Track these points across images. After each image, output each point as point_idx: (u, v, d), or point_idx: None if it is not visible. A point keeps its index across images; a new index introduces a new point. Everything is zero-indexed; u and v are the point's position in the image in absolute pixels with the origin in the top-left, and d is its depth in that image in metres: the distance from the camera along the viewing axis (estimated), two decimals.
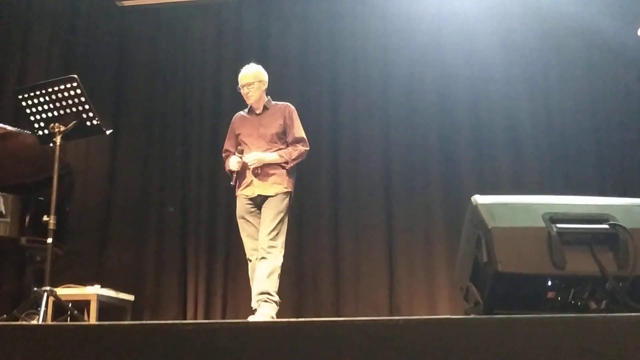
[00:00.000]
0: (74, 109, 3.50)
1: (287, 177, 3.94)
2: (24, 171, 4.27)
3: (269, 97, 4.06)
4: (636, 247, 2.12)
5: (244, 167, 3.92)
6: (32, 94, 3.52)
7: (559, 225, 2.14)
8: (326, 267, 4.99)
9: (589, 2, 5.01)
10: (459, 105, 5.13)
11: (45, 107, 3.52)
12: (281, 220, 3.85)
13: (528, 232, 2.15)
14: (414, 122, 5.15)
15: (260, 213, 3.90)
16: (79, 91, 3.48)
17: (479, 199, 2.23)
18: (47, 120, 3.53)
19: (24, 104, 3.55)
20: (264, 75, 4.05)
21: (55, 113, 3.52)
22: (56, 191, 3.45)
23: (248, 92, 3.98)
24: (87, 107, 3.50)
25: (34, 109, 3.54)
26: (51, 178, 3.48)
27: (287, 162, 3.93)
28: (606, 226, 2.17)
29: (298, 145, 3.98)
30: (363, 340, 1.64)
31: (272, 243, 3.79)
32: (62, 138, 3.49)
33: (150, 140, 5.50)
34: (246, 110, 4.09)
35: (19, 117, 4.45)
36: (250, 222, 3.92)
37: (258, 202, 3.91)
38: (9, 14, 5.76)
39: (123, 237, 5.30)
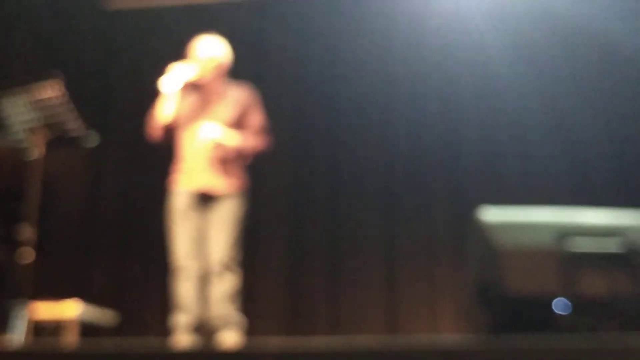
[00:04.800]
0: (57, 118, 3.38)
1: (239, 172, 3.50)
2: None
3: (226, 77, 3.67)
4: None
5: (190, 152, 3.42)
6: (13, 100, 3.40)
7: (569, 244, 2.07)
8: (323, 283, 4.86)
9: (600, 5, 4.96)
10: (465, 109, 5.03)
11: (27, 116, 3.39)
12: (237, 228, 3.42)
13: (537, 252, 2.08)
14: (417, 129, 5.05)
15: (202, 210, 3.40)
16: (63, 99, 3.36)
17: (485, 215, 2.15)
18: (29, 129, 3.39)
19: (4, 112, 3.42)
20: (225, 51, 3.64)
21: (38, 121, 3.38)
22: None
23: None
24: (71, 115, 3.39)
25: (15, 118, 3.41)
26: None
27: (244, 149, 3.46)
28: (619, 245, 2.09)
29: (259, 136, 3.53)
30: None
31: (232, 256, 3.38)
32: (44, 147, 3.36)
33: (137, 150, 5.36)
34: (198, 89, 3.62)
35: None
36: (190, 219, 3.38)
37: (202, 197, 3.41)
38: None
39: (107, 252, 5.14)
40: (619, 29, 4.85)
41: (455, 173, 4.94)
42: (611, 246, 2.10)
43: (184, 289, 3.36)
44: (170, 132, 3.55)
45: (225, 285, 3.34)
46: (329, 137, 5.15)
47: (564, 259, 2.05)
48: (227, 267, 3.35)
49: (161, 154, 5.24)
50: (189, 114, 3.52)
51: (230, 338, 3.33)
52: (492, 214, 2.16)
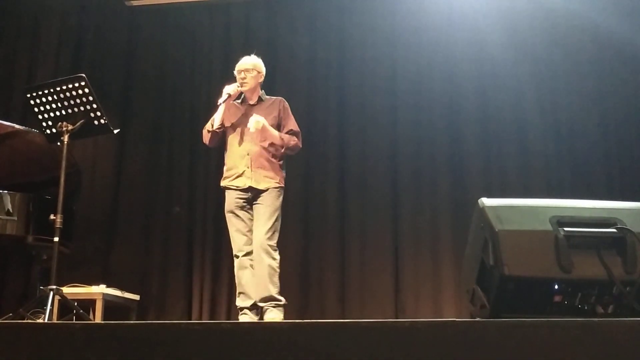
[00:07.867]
0: (81, 108, 3.52)
1: (280, 171, 3.89)
2: (32, 170, 4.28)
3: (263, 90, 4.03)
4: None
5: (236, 156, 3.83)
6: (40, 93, 3.54)
7: (566, 229, 2.12)
8: (332, 269, 4.98)
9: (598, 2, 4.98)
10: (467, 105, 5.12)
11: (54, 105, 3.54)
12: (277, 218, 3.79)
13: (535, 235, 2.13)
14: (421, 123, 5.14)
15: (250, 208, 3.82)
16: (87, 90, 3.50)
17: (486, 201, 2.22)
18: (55, 119, 3.55)
19: (32, 102, 3.57)
20: (263, 67, 4.01)
21: (63, 112, 3.53)
22: (63, 190, 3.46)
23: (245, 78, 3.90)
24: (94, 106, 3.52)
25: (42, 108, 3.56)
26: (58, 177, 3.49)
27: (282, 147, 3.85)
28: (614, 230, 2.14)
29: (294, 137, 3.93)
30: (368, 342, 1.64)
31: (270, 242, 3.73)
32: (69, 137, 3.51)
33: (158, 139, 5.51)
34: (239, 100, 4.00)
35: (27, 116, 4.46)
36: (240, 217, 3.82)
37: (249, 196, 3.82)
38: (18, 12, 5.78)
39: (129, 237, 5.31)
40: (616, 26, 4.85)
41: (457, 165, 5.03)
42: (606, 230, 2.16)
43: (241, 277, 3.78)
44: (219, 137, 3.94)
45: (264, 269, 3.68)
46: (337, 131, 5.24)
47: (561, 242, 2.10)
48: (265, 251, 3.68)
49: (180, 145, 5.41)
50: (233, 123, 3.91)
51: (272, 318, 3.61)
52: (493, 199, 2.23)
